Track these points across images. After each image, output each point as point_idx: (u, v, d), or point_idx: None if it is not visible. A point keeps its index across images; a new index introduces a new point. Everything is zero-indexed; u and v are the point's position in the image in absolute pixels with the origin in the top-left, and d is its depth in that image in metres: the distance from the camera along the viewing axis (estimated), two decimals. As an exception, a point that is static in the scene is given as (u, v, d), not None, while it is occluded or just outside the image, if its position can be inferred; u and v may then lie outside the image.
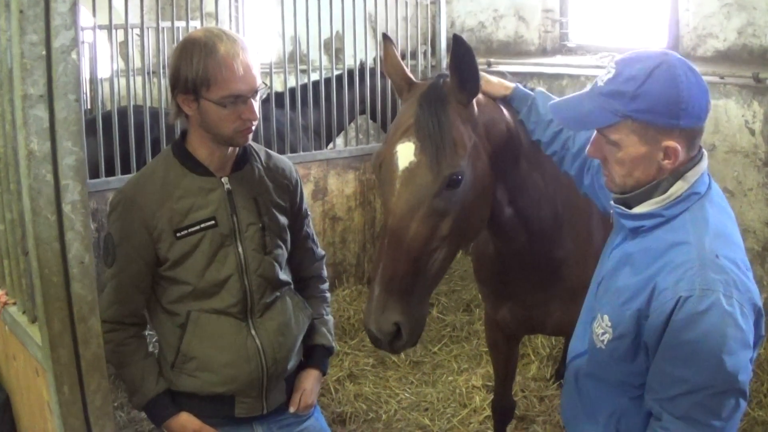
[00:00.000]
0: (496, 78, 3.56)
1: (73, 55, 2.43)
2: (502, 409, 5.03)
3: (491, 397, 5.49)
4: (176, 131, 6.11)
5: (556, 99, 3.21)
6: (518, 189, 3.58)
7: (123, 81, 7.32)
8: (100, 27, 6.83)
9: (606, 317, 2.66)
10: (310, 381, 3.62)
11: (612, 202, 2.78)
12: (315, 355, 3.70)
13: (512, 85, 3.53)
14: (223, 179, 3.29)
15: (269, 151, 3.57)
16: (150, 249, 3.23)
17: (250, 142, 3.36)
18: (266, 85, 3.25)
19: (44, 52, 2.38)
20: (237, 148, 3.32)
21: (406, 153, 3.09)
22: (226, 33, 3.11)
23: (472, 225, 3.29)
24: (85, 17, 9.71)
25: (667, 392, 2.47)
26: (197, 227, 3.22)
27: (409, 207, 3.04)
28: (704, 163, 2.61)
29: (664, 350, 2.45)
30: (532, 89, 3.64)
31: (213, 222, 3.24)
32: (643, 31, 7.91)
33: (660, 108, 2.46)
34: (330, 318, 3.83)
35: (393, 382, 6.48)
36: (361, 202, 8.19)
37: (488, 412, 5.76)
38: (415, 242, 3.03)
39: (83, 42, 8.26)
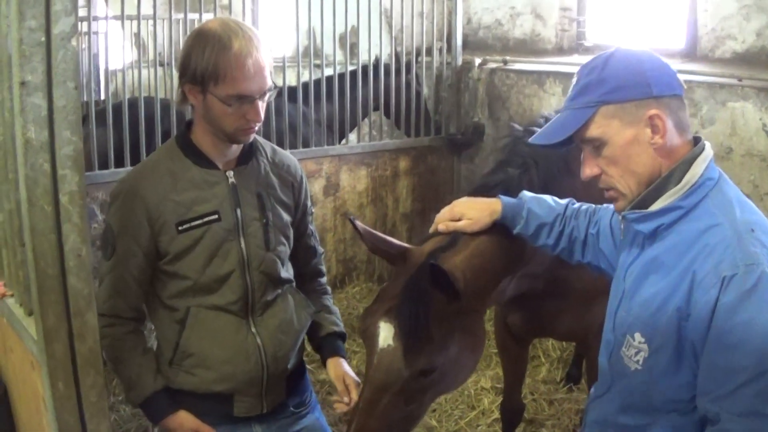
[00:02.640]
0: (477, 202, 3.37)
1: (73, 42, 2.36)
2: (511, 412, 4.97)
3: (500, 399, 5.43)
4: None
5: (545, 196, 3.25)
6: (524, 266, 3.58)
7: (136, 72, 7.28)
8: (115, 17, 6.78)
9: (637, 335, 2.50)
10: (341, 367, 3.56)
11: (624, 212, 2.62)
12: (329, 343, 3.65)
13: (497, 203, 3.30)
14: (227, 173, 3.22)
15: (275, 146, 3.50)
16: (151, 242, 3.15)
17: (256, 136, 3.30)
18: (276, 86, 3.18)
19: (43, 39, 2.31)
20: None
21: (385, 333, 3.11)
22: (243, 28, 3.02)
23: (459, 379, 3.37)
24: (99, 7, 9.68)
25: (724, 387, 2.27)
26: (200, 221, 3.15)
27: (383, 384, 3.07)
28: (710, 151, 2.53)
29: (714, 341, 2.28)
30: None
31: (216, 216, 3.17)
32: (661, 32, 7.83)
33: (628, 82, 2.46)
34: (335, 307, 3.78)
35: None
36: (373, 198, 8.14)
37: (497, 414, 5.69)
38: (388, 413, 3.09)
39: (97, 33, 8.22)
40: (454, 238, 3.28)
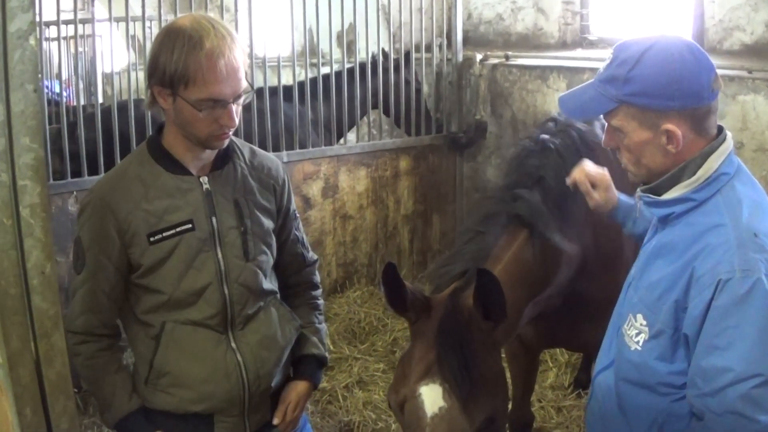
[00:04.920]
0: (611, 189, 3.39)
1: (32, 41, 2.18)
2: (520, 422, 4.81)
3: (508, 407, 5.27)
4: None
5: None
6: (541, 293, 3.55)
7: (133, 75, 7.15)
8: (116, 19, 6.63)
9: (639, 316, 2.60)
10: (297, 393, 3.34)
11: (639, 192, 2.72)
12: (304, 365, 3.42)
13: (615, 198, 3.36)
14: (201, 179, 3.04)
15: (255, 148, 3.31)
16: (122, 254, 2.98)
17: (234, 138, 3.12)
18: (252, 88, 2.98)
19: (-2, 37, 2.13)
20: None
21: (433, 397, 2.86)
22: (216, 26, 2.82)
23: (505, 420, 3.20)
24: (99, 10, 9.56)
25: (710, 385, 2.35)
26: (172, 231, 2.96)
27: None
28: (729, 143, 2.57)
29: (705, 339, 2.37)
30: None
31: (190, 225, 2.98)
32: (667, 24, 7.65)
33: (653, 90, 2.46)
34: (323, 326, 3.55)
35: (404, 389, 6.20)
36: (374, 200, 8.01)
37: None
38: None
39: (99, 35, 8.06)
40: (468, 278, 3.15)
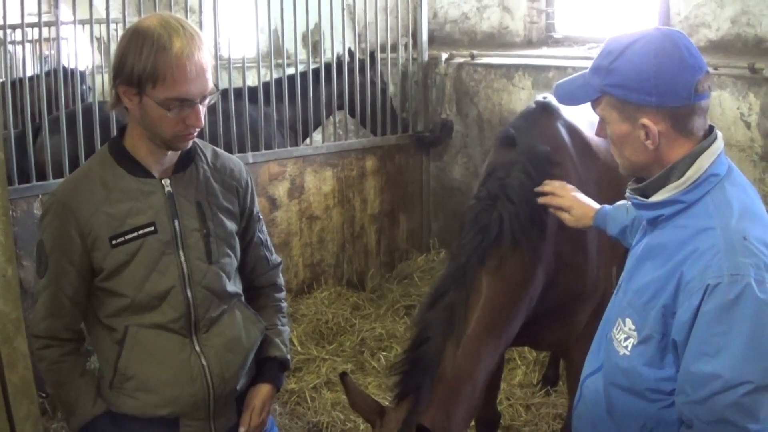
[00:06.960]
0: (585, 202, 3.50)
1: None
2: (487, 422, 4.81)
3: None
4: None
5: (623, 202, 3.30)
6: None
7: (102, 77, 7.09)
8: (80, 21, 6.57)
9: (629, 320, 2.58)
10: (261, 397, 3.31)
11: (628, 193, 2.69)
12: (267, 368, 3.39)
13: (593, 211, 3.46)
14: (164, 181, 3.01)
15: (217, 149, 3.28)
16: (84, 258, 2.94)
17: (197, 140, 3.09)
18: (217, 89, 2.96)
19: (-44, 39, 2.10)
20: None
21: None
22: (184, 26, 2.80)
23: None
24: (63, 12, 9.50)
25: (698, 393, 2.32)
26: (135, 234, 2.93)
27: None
28: (719, 144, 2.52)
29: (693, 346, 2.33)
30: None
31: (152, 228, 2.95)
32: (633, 21, 7.68)
33: (632, 83, 2.46)
34: (286, 329, 3.53)
35: (372, 389, 6.19)
36: (340, 200, 7.99)
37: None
38: None
39: (65, 38, 7.98)
40: (418, 397, 3.32)
